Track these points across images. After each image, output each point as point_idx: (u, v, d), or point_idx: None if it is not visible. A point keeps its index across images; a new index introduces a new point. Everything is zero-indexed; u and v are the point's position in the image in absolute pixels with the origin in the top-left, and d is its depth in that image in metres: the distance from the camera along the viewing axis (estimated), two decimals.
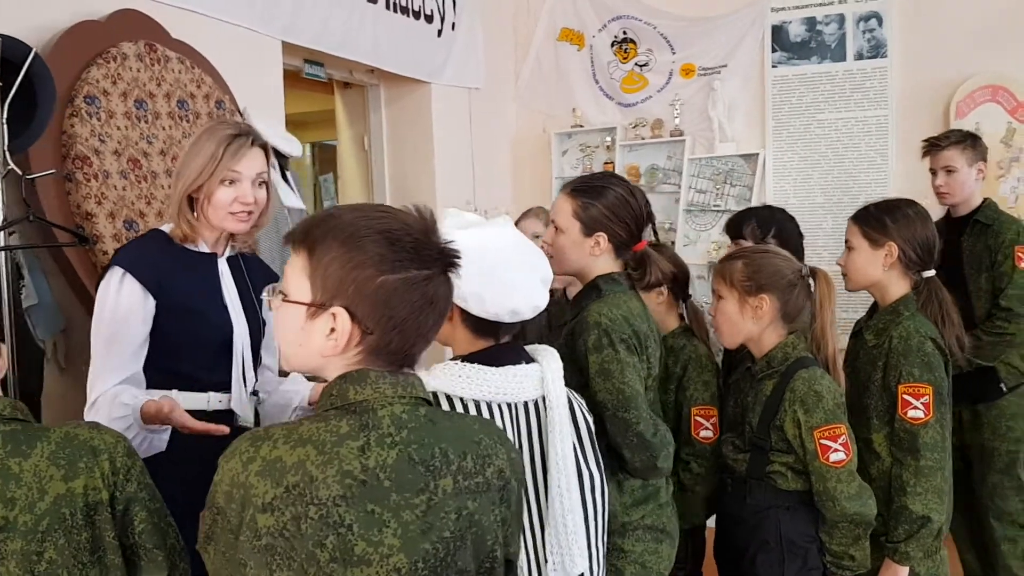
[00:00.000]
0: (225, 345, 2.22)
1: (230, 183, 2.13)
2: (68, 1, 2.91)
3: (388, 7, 4.69)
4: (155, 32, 3.16)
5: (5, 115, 2.28)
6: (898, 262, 2.54)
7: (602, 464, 1.85)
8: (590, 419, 1.85)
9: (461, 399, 1.63)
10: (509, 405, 1.67)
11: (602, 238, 2.21)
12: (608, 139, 5.83)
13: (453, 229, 1.68)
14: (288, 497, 1.16)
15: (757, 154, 5.42)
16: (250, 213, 2.19)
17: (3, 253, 2.24)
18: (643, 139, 5.73)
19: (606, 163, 5.85)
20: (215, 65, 3.48)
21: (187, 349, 2.17)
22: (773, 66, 5.39)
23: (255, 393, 2.35)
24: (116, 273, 2.10)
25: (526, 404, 1.70)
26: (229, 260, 2.31)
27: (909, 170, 5.03)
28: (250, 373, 2.31)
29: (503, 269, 1.68)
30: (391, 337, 1.25)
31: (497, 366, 1.66)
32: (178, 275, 2.15)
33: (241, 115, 3.50)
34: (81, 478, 1.54)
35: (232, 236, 2.29)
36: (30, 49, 2.35)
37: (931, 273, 2.57)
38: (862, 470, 2.50)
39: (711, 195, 5.56)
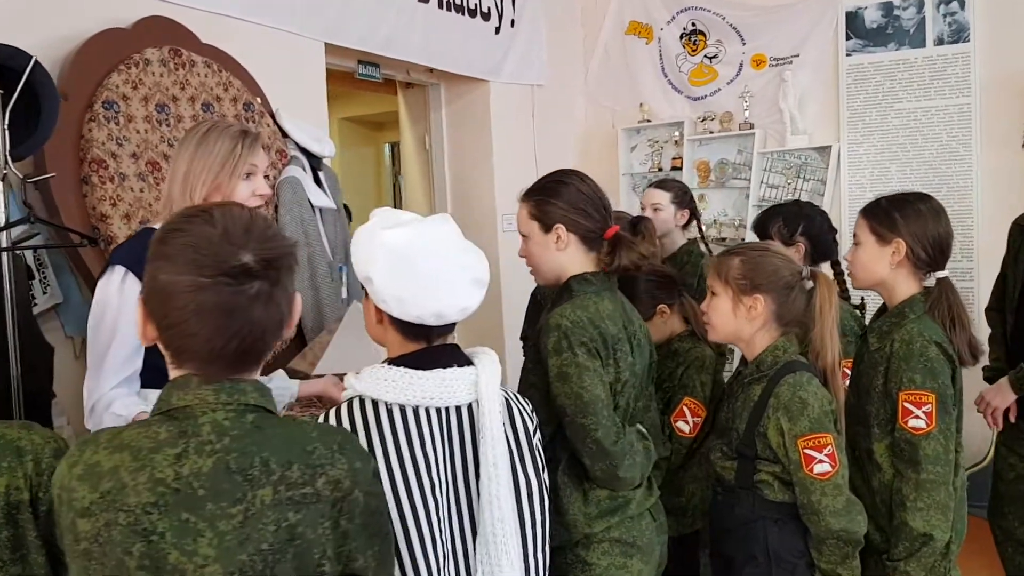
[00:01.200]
0: None
1: (248, 177, 2.17)
2: (97, 9, 3.04)
3: (441, 6, 4.70)
4: (183, 37, 3.26)
5: (6, 121, 2.39)
6: (906, 260, 2.37)
7: (542, 472, 1.78)
8: (531, 424, 1.79)
9: (386, 403, 1.60)
10: (439, 410, 1.62)
11: (561, 230, 2.14)
12: (676, 134, 5.69)
13: (377, 229, 1.67)
14: (103, 503, 1.16)
15: (831, 147, 5.17)
16: (260, 207, 2.22)
17: (4, 254, 2.35)
18: (712, 133, 5.55)
19: (674, 158, 5.71)
20: (253, 68, 3.57)
21: None
22: (847, 54, 5.13)
23: None
24: (118, 272, 2.10)
25: (459, 408, 1.65)
26: None
27: (995, 162, 4.70)
28: None
29: (425, 270, 1.63)
30: (169, 338, 1.23)
31: (426, 369, 1.61)
32: None
33: (273, 117, 3.57)
34: (3, 477, 1.58)
35: None
36: (30, 57, 2.46)
37: (943, 274, 2.38)
38: (863, 482, 2.36)
39: (783, 190, 5.34)
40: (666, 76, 5.76)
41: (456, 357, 1.69)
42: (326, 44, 4.07)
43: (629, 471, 2.06)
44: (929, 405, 2.22)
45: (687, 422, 2.50)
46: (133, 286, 2.08)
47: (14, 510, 1.55)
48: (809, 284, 2.29)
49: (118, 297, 2.07)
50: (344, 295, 3.81)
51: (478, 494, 1.65)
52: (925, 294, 2.38)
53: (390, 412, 1.59)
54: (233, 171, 2.14)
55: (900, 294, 2.39)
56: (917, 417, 2.24)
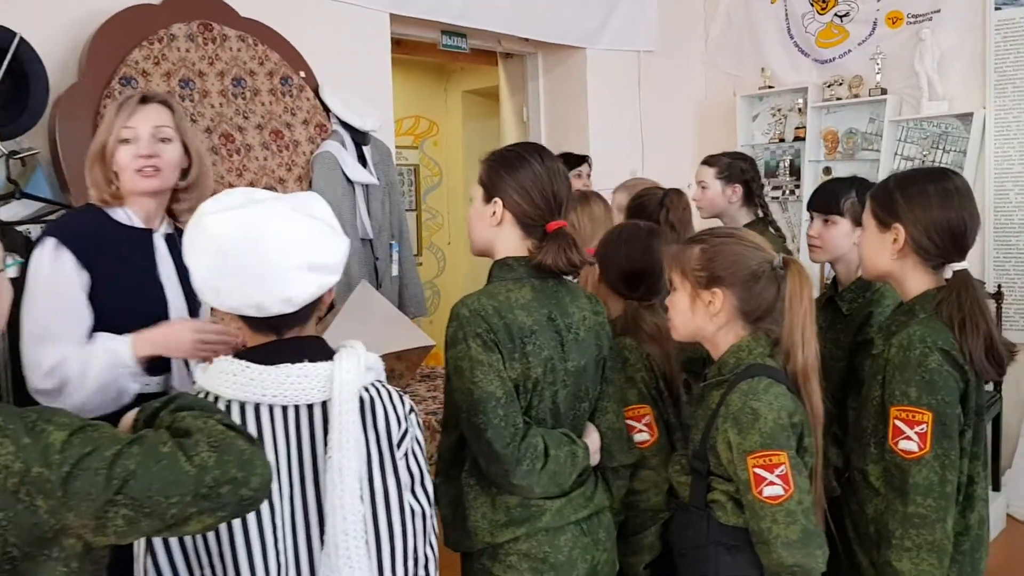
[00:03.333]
0: (159, 322, 2.21)
1: (127, 141, 2.11)
2: None
3: None
4: (218, 11, 3.27)
5: None
6: (909, 250, 1.98)
7: (417, 481, 1.62)
8: (398, 428, 1.61)
9: (227, 400, 1.49)
10: (285, 408, 1.50)
11: (498, 204, 1.95)
12: (800, 101, 5.19)
13: (202, 214, 1.54)
14: None
15: (974, 114, 4.54)
16: (157, 169, 2.14)
17: None
18: (839, 99, 5.02)
19: (797, 128, 5.22)
20: (305, 40, 3.54)
21: (122, 325, 2.17)
22: (997, 8, 4.47)
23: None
24: (49, 243, 2.08)
25: (310, 407, 1.52)
26: (168, 237, 2.30)
27: None
28: None
29: (241, 258, 1.48)
30: None
31: (271, 364, 1.49)
32: (110, 249, 2.15)
33: (316, 93, 3.53)
34: None
35: (170, 210, 2.29)
36: (14, 35, 2.52)
37: (960, 266, 1.97)
38: (858, 508, 2.04)
39: (919, 163, 4.76)
40: (792, 37, 5.26)
41: (313, 351, 1.54)
42: (392, 15, 3.99)
43: (525, 478, 1.84)
44: (923, 425, 1.86)
45: (640, 429, 2.22)
46: (65, 257, 2.07)
47: None
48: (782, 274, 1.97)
49: (50, 267, 2.05)
50: (395, 272, 3.74)
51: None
52: (941, 290, 1.99)
53: (229, 410, 1.47)
54: (111, 136, 2.11)
55: (911, 289, 2.02)
56: (908, 438, 1.88)
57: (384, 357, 2.79)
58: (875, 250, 2.05)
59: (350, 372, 1.51)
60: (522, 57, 5.09)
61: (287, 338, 1.55)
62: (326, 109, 3.52)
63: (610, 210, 2.84)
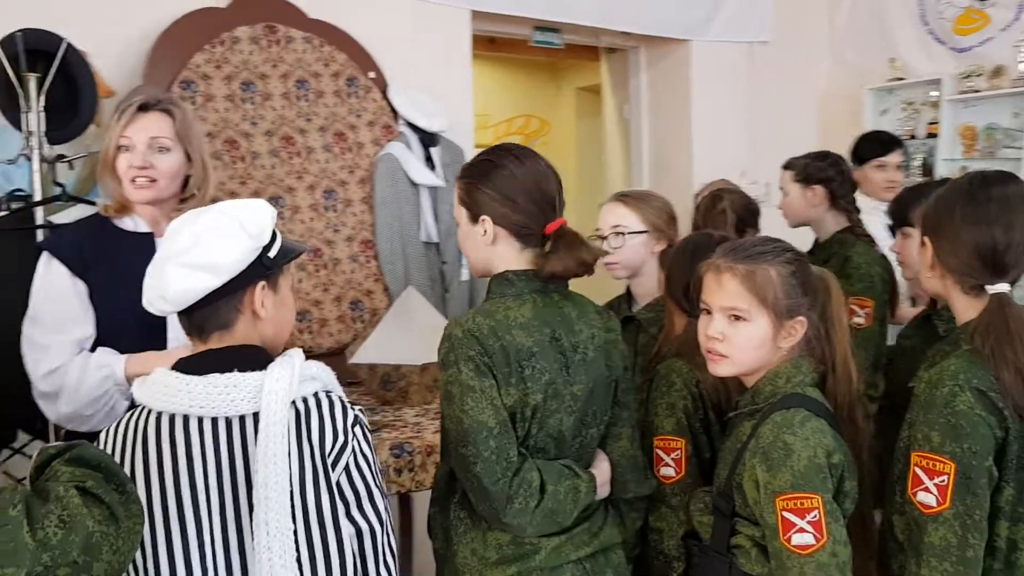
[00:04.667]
0: (157, 328, 2.19)
1: (124, 150, 2.09)
2: None
3: None
4: (285, 13, 3.24)
5: (42, 104, 2.50)
6: (942, 269, 1.71)
7: (340, 496, 1.47)
8: (332, 440, 1.46)
9: (156, 412, 1.43)
10: (215, 420, 1.42)
11: (487, 222, 1.78)
12: (934, 93, 4.72)
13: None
14: None
15: None
16: (152, 180, 2.10)
17: (40, 232, 2.47)
18: (978, 91, 4.53)
19: (931, 123, 4.76)
20: (379, 40, 3.48)
21: (121, 328, 2.17)
22: None
23: None
24: (43, 256, 2.13)
25: (242, 419, 1.43)
26: None
27: None
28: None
29: (158, 261, 1.47)
30: None
31: (200, 374, 1.42)
32: (108, 255, 2.16)
33: (384, 93, 3.45)
34: None
35: (174, 212, 2.25)
36: (61, 40, 2.54)
37: (999, 288, 1.66)
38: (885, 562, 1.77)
39: None
40: (925, 24, 4.80)
41: (244, 361, 1.45)
42: (474, 12, 3.87)
43: (517, 517, 1.67)
44: (944, 476, 1.59)
45: (667, 463, 1.99)
46: (57, 269, 2.09)
47: None
48: None
49: (43, 278, 2.09)
50: (465, 277, 3.62)
51: (251, 519, 1.41)
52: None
53: (158, 421, 1.42)
54: (110, 144, 2.08)
55: (959, 314, 1.75)
56: (927, 490, 1.61)
57: (427, 367, 2.71)
58: (923, 268, 1.78)
59: (280, 382, 1.41)
60: (624, 51, 4.87)
61: (219, 348, 1.47)
62: (394, 110, 3.43)
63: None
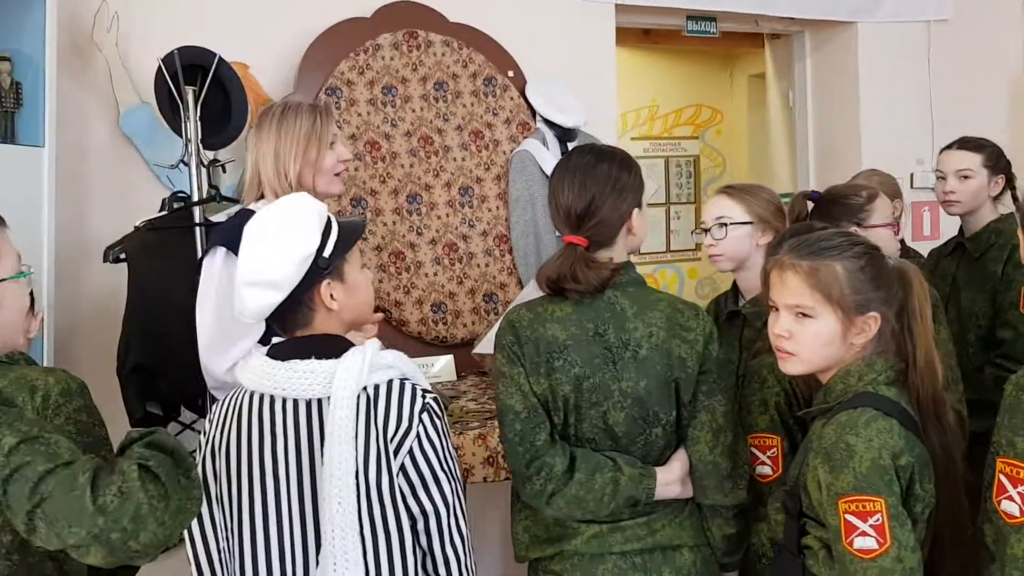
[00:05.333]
0: None
1: (331, 145, 2.27)
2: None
3: None
4: (427, 19, 3.40)
5: (198, 113, 2.77)
6: None
7: (403, 478, 1.57)
8: (396, 425, 1.58)
9: (249, 391, 1.62)
10: (296, 402, 1.58)
11: (638, 216, 1.92)
12: None
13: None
14: None
15: None
16: (344, 173, 2.32)
17: (198, 229, 2.76)
18: None
19: None
20: (517, 39, 3.59)
21: None
22: None
23: None
24: (219, 252, 2.24)
25: (319, 402, 1.57)
26: None
27: None
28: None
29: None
30: None
31: (282, 360, 1.59)
32: None
33: (523, 93, 3.54)
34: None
35: None
36: (214, 55, 2.81)
37: None
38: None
39: None
40: None
41: (323, 349, 1.60)
42: (617, 5, 3.89)
43: (534, 499, 1.82)
44: None
45: (764, 462, 1.97)
46: (232, 263, 2.18)
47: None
48: None
49: (220, 274, 2.21)
50: None
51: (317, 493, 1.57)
52: None
53: (251, 399, 1.61)
54: (320, 143, 2.23)
55: None
56: (1010, 499, 1.52)
57: None
58: None
59: (350, 370, 1.54)
60: (788, 37, 4.71)
61: (300, 336, 1.63)
62: (531, 108, 3.52)
63: None
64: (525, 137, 3.47)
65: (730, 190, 2.36)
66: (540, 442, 1.78)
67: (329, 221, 1.63)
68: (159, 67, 2.77)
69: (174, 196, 2.83)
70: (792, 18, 4.45)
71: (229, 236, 2.26)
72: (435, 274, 3.30)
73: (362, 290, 1.69)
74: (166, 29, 3.01)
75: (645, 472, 1.82)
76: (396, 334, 3.16)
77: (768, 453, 1.94)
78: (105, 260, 2.69)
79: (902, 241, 2.89)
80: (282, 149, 2.23)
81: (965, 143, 2.96)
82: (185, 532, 1.59)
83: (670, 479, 1.85)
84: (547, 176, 3.34)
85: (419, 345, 3.20)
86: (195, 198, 2.80)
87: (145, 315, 2.67)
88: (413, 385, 1.61)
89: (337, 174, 2.28)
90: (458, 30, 3.46)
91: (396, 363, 1.62)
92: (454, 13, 3.48)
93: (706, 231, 2.31)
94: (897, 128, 4.48)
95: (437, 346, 3.24)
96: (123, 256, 2.69)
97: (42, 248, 2.67)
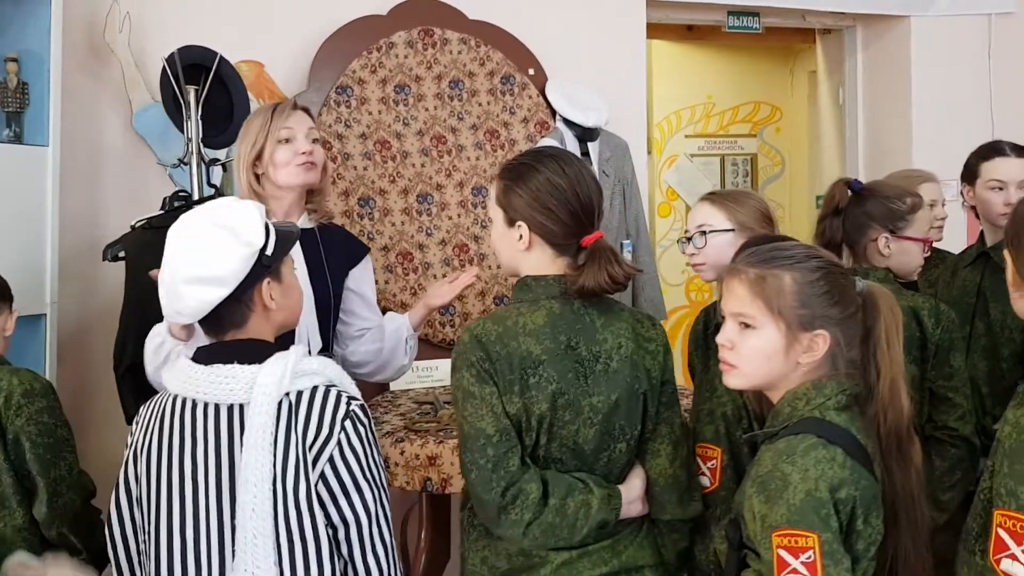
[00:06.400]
0: None
1: (286, 141, 2.28)
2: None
3: None
4: (445, 16, 3.35)
5: (199, 113, 2.78)
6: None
7: (322, 485, 1.55)
8: (316, 432, 1.55)
9: (174, 394, 1.61)
10: (218, 406, 1.57)
11: (523, 229, 1.77)
12: None
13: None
14: None
15: None
16: (313, 164, 2.31)
17: None
18: None
19: None
20: (541, 37, 3.53)
21: None
22: None
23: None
24: None
25: (241, 407, 1.55)
26: (304, 232, 2.42)
27: None
28: (315, 343, 2.41)
29: (163, 272, 1.62)
30: None
31: (205, 364, 1.59)
32: None
33: (542, 90, 3.47)
34: None
35: (307, 206, 2.42)
36: (215, 54, 2.81)
37: None
38: None
39: None
40: None
41: (247, 354, 1.59)
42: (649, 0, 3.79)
43: (511, 529, 1.67)
44: None
45: (704, 473, 1.88)
46: None
47: None
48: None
49: None
50: None
51: (232, 500, 1.56)
52: None
53: (174, 402, 1.60)
54: (267, 138, 2.26)
55: None
56: (1014, 557, 1.37)
57: None
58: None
59: (271, 376, 1.53)
60: (839, 32, 4.50)
61: (227, 340, 1.62)
62: (551, 106, 3.44)
63: None
64: (543, 136, 3.39)
65: (712, 197, 2.25)
66: (514, 467, 1.66)
67: (267, 222, 1.63)
68: (163, 67, 2.79)
69: (175, 195, 2.84)
70: (843, 12, 4.25)
71: None
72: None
73: (296, 291, 1.71)
74: (179, 29, 3.04)
75: (612, 492, 1.73)
76: None
77: (708, 464, 1.87)
78: (104, 258, 2.71)
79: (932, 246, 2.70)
80: (241, 151, 2.31)
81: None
82: (107, 532, 1.63)
83: (632, 497, 1.77)
84: None
85: (426, 347, 3.15)
86: (195, 197, 2.81)
87: (141, 314, 2.68)
88: (338, 392, 1.59)
89: (299, 165, 2.27)
90: (477, 27, 3.40)
91: (321, 370, 1.60)
92: (474, 10, 3.43)
93: (689, 240, 2.21)
94: (953, 129, 4.23)
95: (445, 349, 3.19)
96: (122, 255, 2.71)
97: (46, 246, 2.72)
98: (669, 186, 5.93)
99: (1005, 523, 1.35)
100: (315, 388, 1.57)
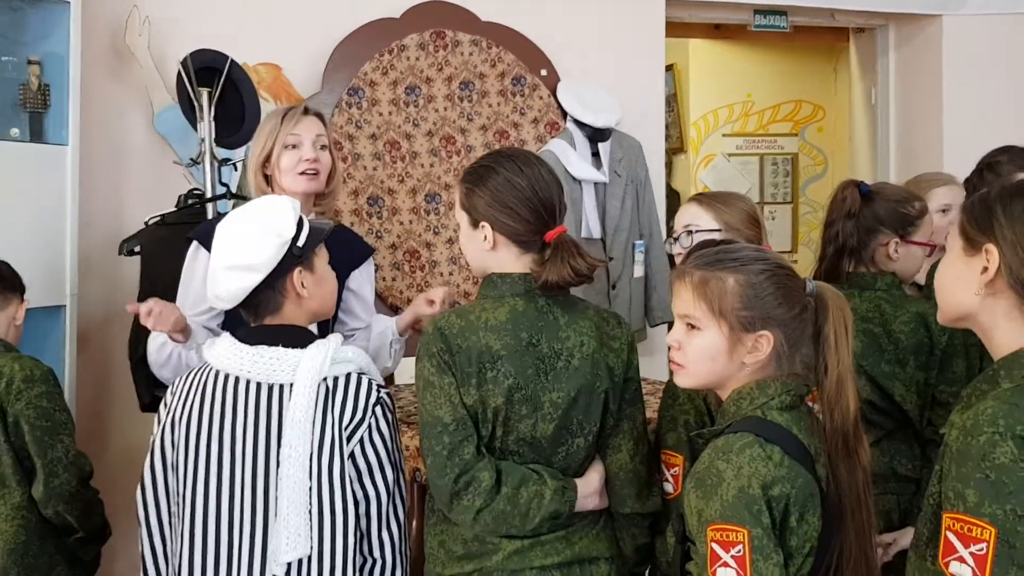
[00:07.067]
0: None
1: (292, 147, 2.34)
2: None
3: None
4: (458, 18, 3.41)
5: (212, 114, 2.89)
6: (1002, 284, 1.40)
7: (353, 465, 1.71)
8: (351, 415, 1.71)
9: (216, 370, 1.75)
10: (259, 385, 1.71)
11: (487, 229, 1.82)
12: None
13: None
14: None
15: None
16: (316, 172, 2.36)
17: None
18: None
19: None
20: (554, 38, 3.57)
21: None
22: None
23: None
24: (192, 246, 2.42)
25: (281, 388, 1.70)
26: None
27: None
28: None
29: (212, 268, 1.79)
30: None
31: (251, 344, 1.73)
32: None
33: (553, 91, 3.50)
34: None
35: (314, 207, 2.50)
36: (227, 57, 2.92)
37: None
38: None
39: None
40: None
41: (290, 338, 1.74)
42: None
43: (462, 515, 1.74)
44: (983, 544, 1.31)
45: (667, 480, 1.90)
46: (205, 256, 2.30)
47: None
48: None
49: (191, 266, 2.38)
50: (639, 274, 3.58)
51: (277, 474, 1.70)
52: None
53: (215, 377, 1.74)
54: (276, 143, 2.33)
55: (1000, 343, 1.45)
56: (961, 559, 1.35)
57: None
58: (956, 280, 1.48)
59: (313, 360, 1.69)
60: (872, 31, 4.43)
61: (270, 324, 1.76)
62: (561, 107, 3.48)
63: None
64: (552, 137, 3.43)
65: (700, 198, 2.27)
66: (468, 456, 1.73)
67: (300, 217, 1.79)
68: (179, 70, 2.91)
69: (190, 193, 2.96)
70: (873, 11, 4.19)
71: (204, 230, 2.39)
72: (451, 273, 3.32)
73: (329, 282, 1.86)
74: (198, 32, 3.15)
75: (567, 484, 1.78)
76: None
77: (671, 471, 1.88)
78: (120, 253, 2.85)
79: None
80: (252, 152, 2.40)
81: None
82: (139, 495, 1.76)
83: (589, 491, 1.82)
84: (572, 177, 3.32)
85: None
86: (208, 195, 2.93)
87: None
88: (369, 380, 1.75)
89: (302, 173, 2.31)
90: (489, 29, 3.45)
91: (355, 358, 1.77)
92: (487, 12, 3.48)
93: (676, 239, 2.23)
94: (986, 131, 4.12)
95: None
96: (137, 249, 2.84)
97: (65, 240, 2.86)
98: (705, 185, 5.89)
99: (953, 526, 1.34)
100: (349, 375, 1.73)
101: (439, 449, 1.72)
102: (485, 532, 1.76)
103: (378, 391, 1.74)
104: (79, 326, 2.94)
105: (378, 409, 1.73)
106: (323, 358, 1.69)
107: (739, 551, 1.43)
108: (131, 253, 2.86)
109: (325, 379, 1.69)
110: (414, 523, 2.76)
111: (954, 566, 1.32)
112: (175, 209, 2.93)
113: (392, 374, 3.03)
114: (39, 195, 2.81)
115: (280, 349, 1.70)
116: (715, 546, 1.46)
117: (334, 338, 1.76)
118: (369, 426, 1.71)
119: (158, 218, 2.87)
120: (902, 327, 2.23)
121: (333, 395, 1.70)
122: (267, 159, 2.33)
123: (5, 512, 2.17)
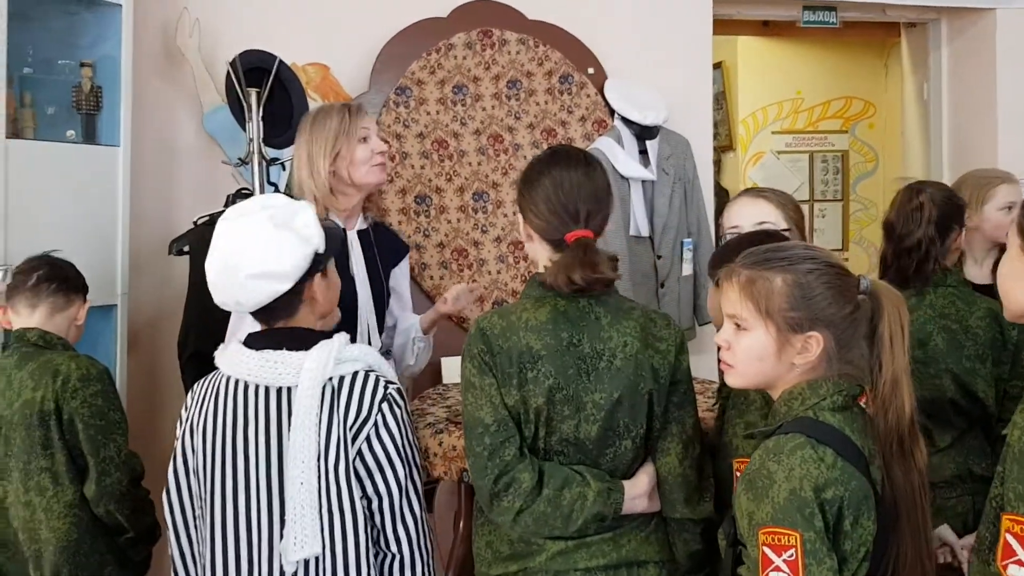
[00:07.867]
0: (350, 312, 2.41)
1: (363, 140, 2.38)
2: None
3: None
4: (505, 17, 3.40)
5: (260, 114, 2.90)
6: None
7: (359, 463, 1.71)
8: (356, 414, 1.71)
9: (225, 376, 1.76)
10: (267, 388, 1.72)
11: (522, 222, 1.88)
12: None
13: (223, 218, 1.83)
14: None
15: None
16: (383, 163, 2.42)
17: None
18: None
19: None
20: (603, 36, 3.55)
21: None
22: None
23: (387, 353, 2.56)
24: None
25: (289, 390, 1.71)
26: (360, 233, 2.52)
27: None
28: (375, 337, 2.51)
29: (219, 264, 1.75)
30: None
31: (256, 349, 1.73)
32: None
33: (600, 89, 3.48)
34: (41, 390, 2.17)
35: (364, 208, 2.52)
36: (275, 58, 2.93)
37: None
38: None
39: None
40: None
41: (295, 341, 1.74)
42: None
43: (502, 515, 1.74)
44: None
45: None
46: None
47: (46, 416, 2.13)
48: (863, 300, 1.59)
49: None
50: (687, 272, 3.54)
51: (280, 475, 1.71)
52: None
53: (227, 383, 1.76)
54: (348, 137, 2.35)
55: None
56: (1020, 563, 1.33)
57: None
58: (1015, 278, 1.46)
59: (316, 362, 1.69)
60: (924, 25, 4.34)
61: (276, 327, 1.77)
62: (609, 105, 3.45)
63: None
64: (600, 135, 3.40)
65: (765, 194, 2.21)
66: (510, 456, 1.72)
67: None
68: (228, 71, 2.93)
69: (238, 192, 2.98)
70: (925, 6, 4.10)
71: None
72: (499, 272, 3.30)
73: (337, 287, 1.89)
74: (248, 34, 3.17)
75: (613, 486, 1.76)
76: (455, 328, 3.18)
77: None
78: (169, 252, 2.88)
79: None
80: (314, 151, 2.37)
81: None
82: (164, 497, 1.78)
83: (637, 493, 1.79)
84: (620, 175, 3.29)
85: None
86: (257, 195, 2.94)
87: (203, 305, 2.83)
88: (377, 377, 1.74)
89: (376, 164, 2.36)
90: (536, 27, 3.43)
91: (362, 356, 1.77)
92: (534, 11, 3.46)
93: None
94: None
95: None
96: (186, 249, 2.87)
97: (116, 240, 2.90)
98: (754, 183, 5.83)
99: (1013, 528, 1.32)
100: (356, 373, 1.72)
101: (480, 450, 1.72)
102: (527, 533, 1.76)
103: (386, 388, 1.74)
104: (129, 325, 2.98)
105: (385, 406, 1.72)
106: (326, 359, 1.69)
107: (791, 555, 1.40)
108: (180, 253, 2.89)
109: (331, 379, 1.70)
110: (461, 524, 2.77)
111: (1012, 569, 1.30)
112: (224, 209, 2.94)
113: (441, 373, 3.03)
114: (91, 196, 2.85)
115: (284, 352, 1.70)
116: (767, 550, 1.42)
117: (339, 338, 1.75)
118: (376, 423, 1.71)
119: (207, 218, 2.89)
120: (978, 322, 2.23)
121: (338, 395, 1.70)
122: (337, 154, 2.34)
123: (58, 510, 2.19)
